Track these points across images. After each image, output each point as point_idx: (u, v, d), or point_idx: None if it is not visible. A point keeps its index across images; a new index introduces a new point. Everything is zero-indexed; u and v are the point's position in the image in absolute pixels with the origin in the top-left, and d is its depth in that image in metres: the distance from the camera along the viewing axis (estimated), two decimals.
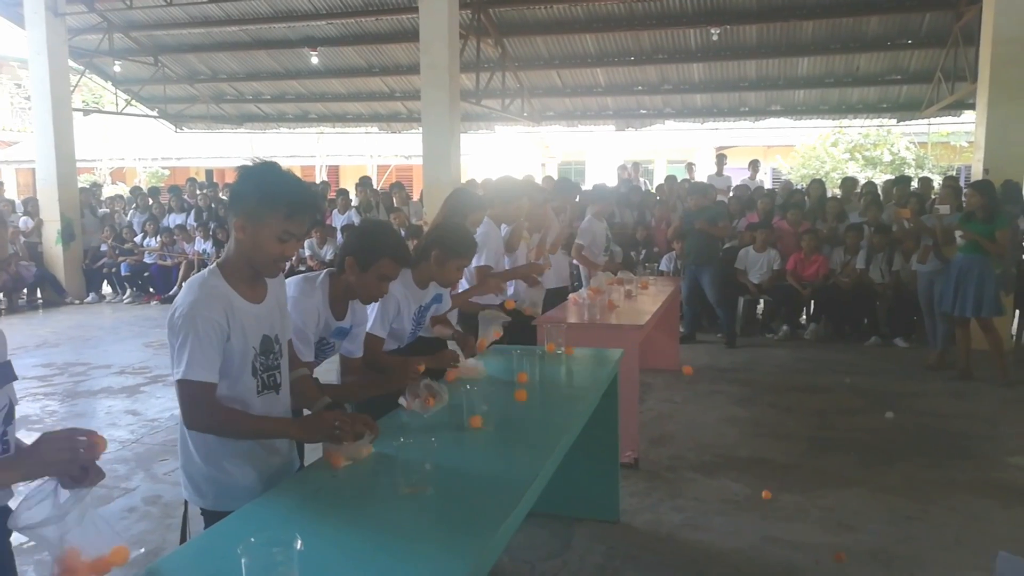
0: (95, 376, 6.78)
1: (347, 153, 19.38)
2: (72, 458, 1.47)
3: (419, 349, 3.35)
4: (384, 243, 2.58)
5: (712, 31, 10.36)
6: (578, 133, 18.96)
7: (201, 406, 1.92)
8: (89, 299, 11.16)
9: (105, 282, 11.44)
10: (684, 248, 7.89)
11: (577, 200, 6.55)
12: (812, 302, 8.26)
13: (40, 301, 10.94)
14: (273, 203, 1.93)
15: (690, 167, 11.24)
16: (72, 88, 11.74)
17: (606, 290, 5.28)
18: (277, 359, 2.13)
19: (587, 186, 8.75)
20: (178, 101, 14.56)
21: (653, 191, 10.60)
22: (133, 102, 14.56)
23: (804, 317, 8.53)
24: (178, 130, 15.65)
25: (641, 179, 12.79)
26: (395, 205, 10.11)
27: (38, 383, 6.54)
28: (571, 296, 5.08)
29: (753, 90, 12.12)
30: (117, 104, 14.11)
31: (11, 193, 17.32)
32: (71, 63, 11.74)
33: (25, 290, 10.82)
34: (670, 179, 10.29)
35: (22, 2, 10.61)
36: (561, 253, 6.22)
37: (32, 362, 7.29)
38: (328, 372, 2.91)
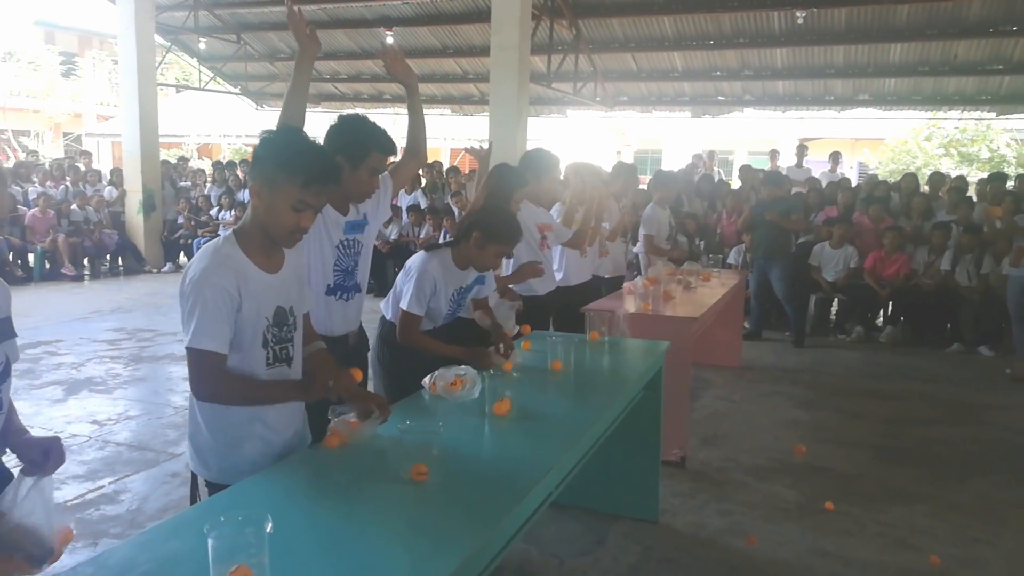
0: (161, 342, 6.98)
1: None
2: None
3: (457, 330, 3.27)
4: (371, 136, 2.51)
5: (798, 14, 9.85)
6: (655, 120, 18.52)
7: (206, 375, 1.87)
8: (166, 268, 11.55)
9: (182, 253, 11.83)
10: (753, 240, 7.55)
11: (642, 187, 6.35)
12: (890, 303, 7.79)
13: (121, 268, 11.39)
14: (289, 170, 1.86)
15: (773, 154, 10.75)
16: (158, 64, 12.14)
17: (663, 280, 5.07)
18: (291, 331, 2.06)
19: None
20: (259, 79, 14.89)
21: (728, 181, 10.22)
22: (217, 79, 14.96)
23: (881, 319, 8.07)
24: (259, 108, 16.02)
25: (716, 169, 12.38)
26: (454, 188, 10.05)
27: (107, 346, 6.78)
28: (626, 285, 4.90)
29: (840, 78, 11.50)
30: (200, 80, 14.55)
31: (106, 165, 18.12)
32: (158, 39, 12.14)
33: (108, 257, 11.28)
34: (745, 168, 9.88)
35: None
36: (620, 241, 6.03)
37: (105, 326, 7.57)
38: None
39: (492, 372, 2.63)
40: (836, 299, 8.05)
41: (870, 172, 15.99)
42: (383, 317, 3.07)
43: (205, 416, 1.99)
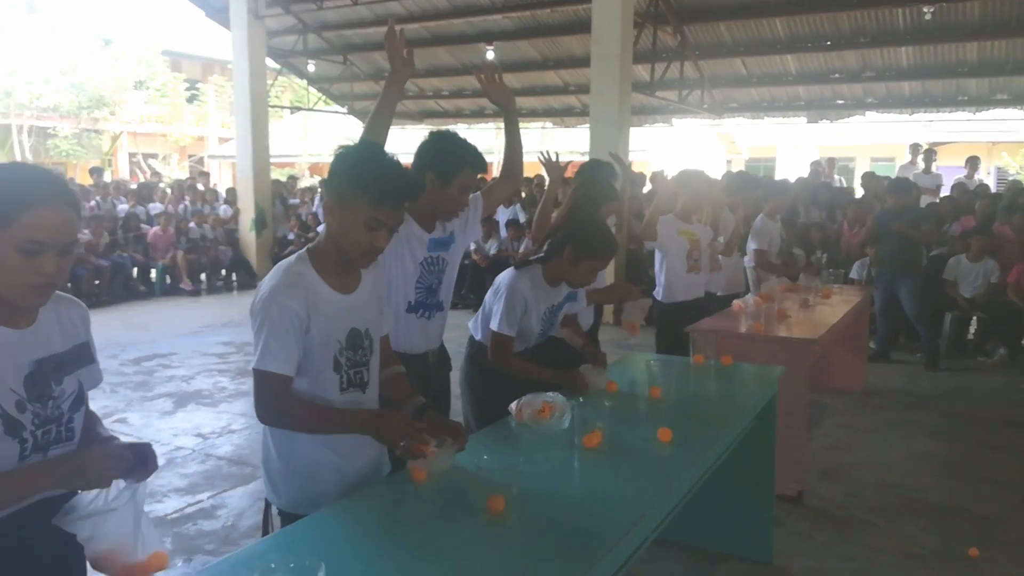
0: None
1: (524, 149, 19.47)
2: (111, 476, 1.36)
3: (548, 350, 3.06)
4: (463, 153, 2.44)
5: (925, 9, 9.09)
6: (767, 127, 17.75)
7: (268, 397, 1.77)
8: None
9: None
10: (878, 254, 6.94)
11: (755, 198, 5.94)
12: None
13: (235, 283, 11.85)
14: (363, 187, 1.74)
15: (915, 148, 9.86)
16: (269, 87, 12.63)
17: (777, 297, 4.68)
18: (366, 355, 1.93)
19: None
20: (364, 98, 15.25)
21: (850, 188, 9.54)
22: (325, 99, 15.45)
23: None
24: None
25: (837, 176, 11.65)
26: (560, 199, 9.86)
27: (216, 359, 6.98)
28: (735, 303, 4.54)
29: (974, 76, 10.55)
30: (308, 101, 15.06)
31: (225, 185, 19.11)
32: (270, 63, 12.63)
33: (222, 272, 11.77)
34: (869, 175, 9.21)
35: (228, 7, 11.52)
36: (738, 256, 5.66)
37: (215, 340, 7.82)
38: None
39: (582, 399, 2.42)
40: (975, 317, 7.31)
41: (1010, 178, 14.64)
42: (471, 337, 2.90)
43: (276, 442, 1.89)
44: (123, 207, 11.49)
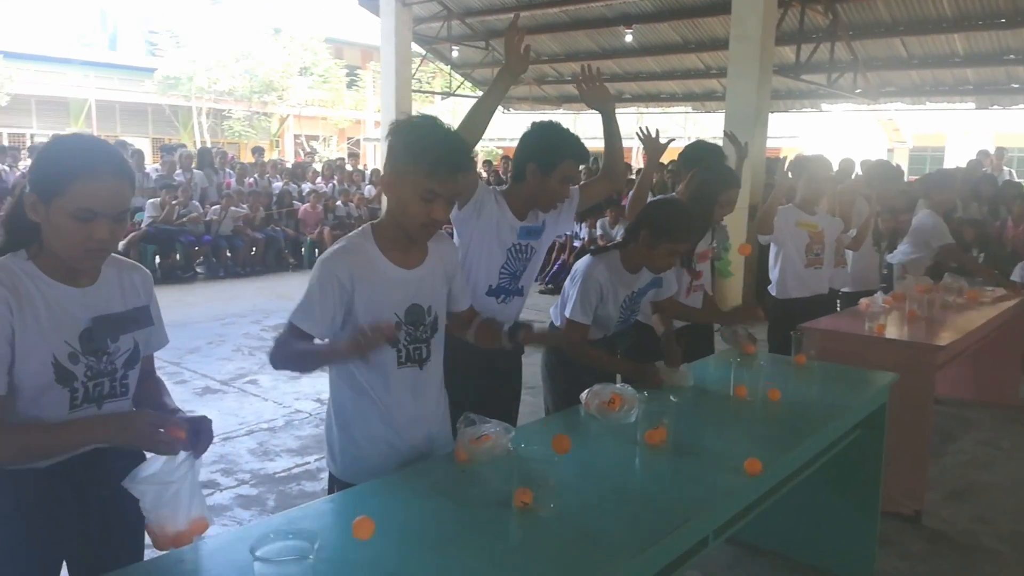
0: None
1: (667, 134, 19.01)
2: (158, 441, 1.43)
3: (635, 339, 2.99)
4: (566, 145, 2.41)
5: None
6: (935, 113, 16.30)
7: (280, 345, 1.82)
8: None
9: None
10: None
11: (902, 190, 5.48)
12: None
13: (292, 265, 12.23)
14: (416, 157, 1.76)
15: None
16: (414, 71, 13.06)
17: (912, 298, 4.31)
18: (428, 332, 1.95)
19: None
20: None
21: (1019, 182, 8.60)
22: (467, 84, 15.80)
23: None
24: (505, 111, 16.66)
25: (1007, 169, 10.54)
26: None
27: None
28: (862, 301, 4.21)
29: None
30: (451, 85, 15.45)
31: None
32: (416, 49, 13.04)
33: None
34: None
35: None
36: (873, 251, 5.25)
37: None
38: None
39: (649, 393, 2.35)
40: None
41: None
42: (551, 323, 2.89)
43: (337, 409, 1.95)
44: (278, 184, 12.33)
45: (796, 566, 3.09)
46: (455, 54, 14.49)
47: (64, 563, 1.59)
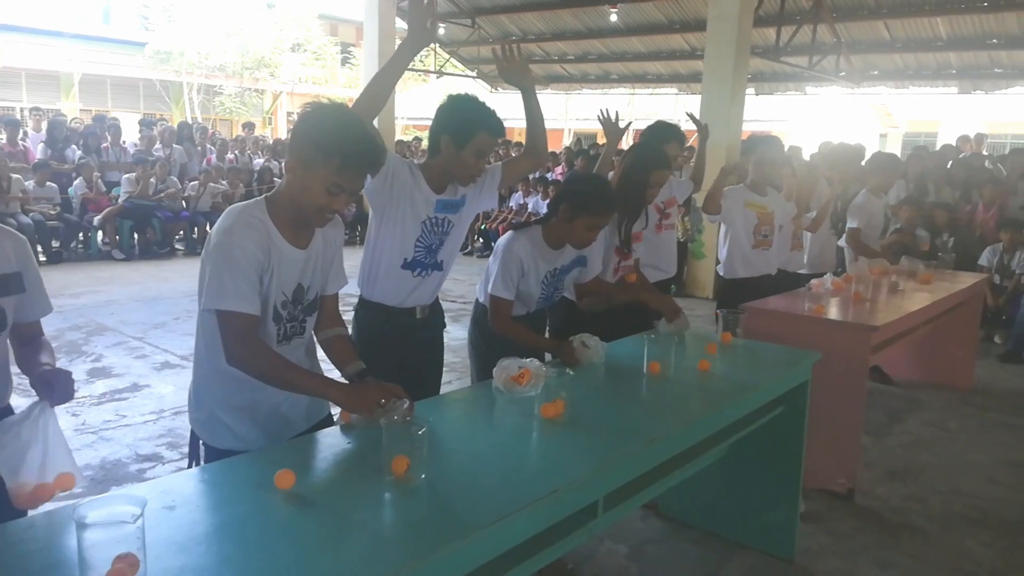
0: None
1: (657, 115, 18.98)
2: None
3: (557, 315, 3.02)
4: (479, 117, 2.38)
5: None
6: (928, 99, 16.25)
7: (240, 339, 1.77)
8: None
9: None
10: (1012, 240, 6.25)
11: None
12: None
13: (358, 238, 12.39)
14: (327, 151, 1.75)
15: None
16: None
17: (862, 280, 4.34)
18: (305, 312, 1.98)
19: None
20: (492, 62, 15.34)
21: (998, 168, 8.57)
22: (452, 62, 15.69)
23: None
24: (493, 90, 16.56)
25: (985, 154, 10.52)
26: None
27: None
28: (813, 282, 4.24)
29: None
30: (435, 64, 15.36)
31: None
32: (401, 24, 12.90)
33: (347, 229, 12.33)
34: (1018, 153, 8.23)
35: None
36: (830, 233, 5.28)
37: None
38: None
39: (571, 371, 2.38)
40: None
41: None
42: (477, 299, 2.91)
43: (207, 382, 1.94)
44: (259, 161, 12.28)
45: (722, 541, 3.13)
46: (441, 32, 14.39)
47: None
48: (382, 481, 1.63)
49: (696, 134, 4.37)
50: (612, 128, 3.54)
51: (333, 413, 2.12)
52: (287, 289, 1.90)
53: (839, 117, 19.63)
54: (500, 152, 11.50)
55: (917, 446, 4.30)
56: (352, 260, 2.21)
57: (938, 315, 4.56)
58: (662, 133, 3.73)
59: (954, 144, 9.95)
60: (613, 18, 11.81)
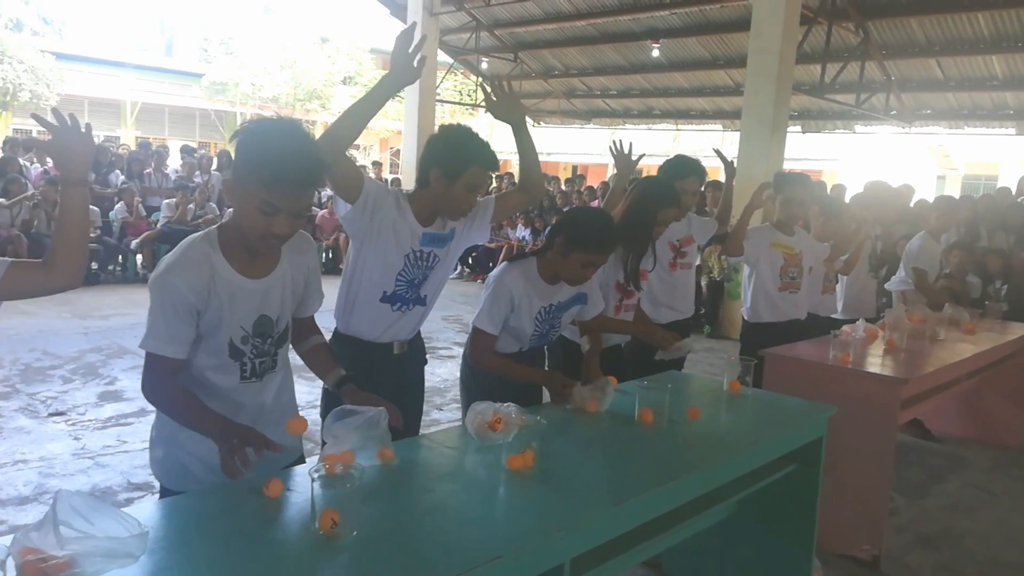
0: None
1: (702, 152, 18.75)
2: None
3: (555, 355, 2.85)
4: (472, 150, 2.26)
5: None
6: (987, 140, 15.68)
7: (151, 378, 1.72)
8: None
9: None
10: None
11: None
12: None
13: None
14: (254, 167, 1.62)
15: None
16: (439, 82, 13.07)
17: (897, 328, 4.05)
18: (275, 344, 1.85)
19: None
20: (533, 96, 15.38)
21: None
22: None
23: None
24: (535, 124, 16.60)
25: None
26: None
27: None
28: (845, 328, 3.97)
29: None
30: (477, 98, 15.44)
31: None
32: (446, 58, 13.06)
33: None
34: None
35: (407, 4, 12.08)
36: (868, 277, 5.01)
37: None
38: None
39: (569, 407, 2.21)
40: None
41: None
42: (470, 334, 2.75)
43: (163, 419, 1.85)
44: None
45: None
46: (484, 65, 14.49)
47: None
48: (308, 534, 1.47)
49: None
50: (624, 160, 3.39)
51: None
52: (245, 323, 1.78)
53: (893, 157, 19.08)
54: (502, 185, 11.48)
55: (956, 509, 3.96)
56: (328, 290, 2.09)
57: (983, 368, 4.24)
58: (678, 169, 3.55)
59: (1014, 187, 9.49)
60: (655, 53, 11.71)
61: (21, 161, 9.77)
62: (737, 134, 14.68)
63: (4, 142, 10.99)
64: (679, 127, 16.49)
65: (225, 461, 1.59)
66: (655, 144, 18.56)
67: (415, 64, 2.14)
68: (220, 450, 1.61)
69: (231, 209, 2.02)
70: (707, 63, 12.17)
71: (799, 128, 13.51)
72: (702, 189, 5.64)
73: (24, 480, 3.70)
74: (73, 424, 4.54)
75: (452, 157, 2.28)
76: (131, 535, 1.25)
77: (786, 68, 7.83)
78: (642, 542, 2.05)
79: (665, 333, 2.96)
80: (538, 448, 1.93)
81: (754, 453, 2.30)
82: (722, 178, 4.59)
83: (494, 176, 13.22)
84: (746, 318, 4.07)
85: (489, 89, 2.48)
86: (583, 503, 1.75)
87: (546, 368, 2.93)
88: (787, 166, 8.02)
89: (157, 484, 1.94)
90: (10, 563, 1.12)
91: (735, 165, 4.20)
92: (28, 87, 17.54)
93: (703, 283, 8.92)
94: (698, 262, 8.91)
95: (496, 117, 2.49)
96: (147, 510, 1.59)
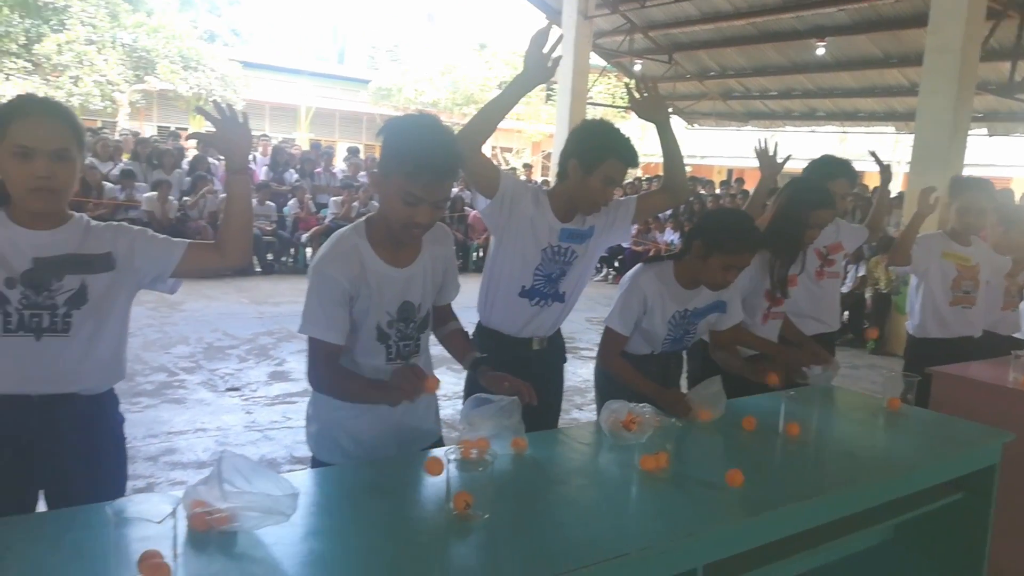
0: None
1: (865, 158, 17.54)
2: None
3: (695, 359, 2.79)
4: (610, 143, 2.28)
5: None
6: None
7: (316, 364, 1.85)
8: None
9: None
10: None
11: None
12: None
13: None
14: (398, 159, 1.73)
15: None
16: (591, 85, 13.09)
17: None
18: (417, 328, 1.96)
19: None
20: (687, 98, 15.05)
21: None
22: None
23: None
24: (689, 127, 16.24)
25: None
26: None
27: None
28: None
29: None
30: (628, 100, 15.28)
31: None
32: (599, 60, 13.05)
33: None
34: None
35: (562, 8, 12.19)
36: None
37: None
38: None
39: (681, 422, 2.17)
40: None
41: None
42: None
43: (316, 401, 1.99)
44: (454, 190, 12.89)
45: None
46: (637, 67, 14.34)
47: (41, 494, 1.74)
48: (443, 513, 1.55)
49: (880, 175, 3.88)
50: (769, 162, 3.24)
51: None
52: (390, 308, 1.89)
53: None
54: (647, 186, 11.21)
55: None
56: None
57: None
58: (829, 168, 3.33)
59: None
60: (820, 52, 11.11)
61: (210, 159, 10.79)
62: (911, 137, 13.68)
63: (188, 138, 12.18)
64: (845, 129, 15.56)
65: (403, 388, 1.70)
66: (819, 147, 17.59)
67: (548, 64, 2.19)
68: (393, 386, 1.72)
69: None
70: (878, 61, 11.39)
71: (985, 131, 12.34)
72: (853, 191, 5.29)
73: (203, 447, 4.10)
74: (246, 399, 4.98)
75: (590, 148, 2.31)
76: (284, 494, 1.37)
77: (969, 66, 7.19)
78: (782, 559, 1.97)
79: (807, 356, 2.77)
80: (673, 451, 1.91)
81: (912, 476, 2.14)
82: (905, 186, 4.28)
83: (644, 179, 13.08)
84: (911, 333, 3.79)
85: (633, 88, 2.47)
86: (716, 510, 1.72)
87: (684, 373, 2.88)
88: (969, 172, 7.36)
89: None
90: (180, 512, 1.26)
91: (897, 170, 3.91)
92: (218, 93, 19.31)
93: (868, 296, 8.38)
94: (863, 272, 8.44)
95: (640, 116, 2.48)
96: (301, 478, 1.72)
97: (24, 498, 1.69)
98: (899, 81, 11.78)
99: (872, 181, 9.75)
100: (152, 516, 1.23)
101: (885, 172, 3.84)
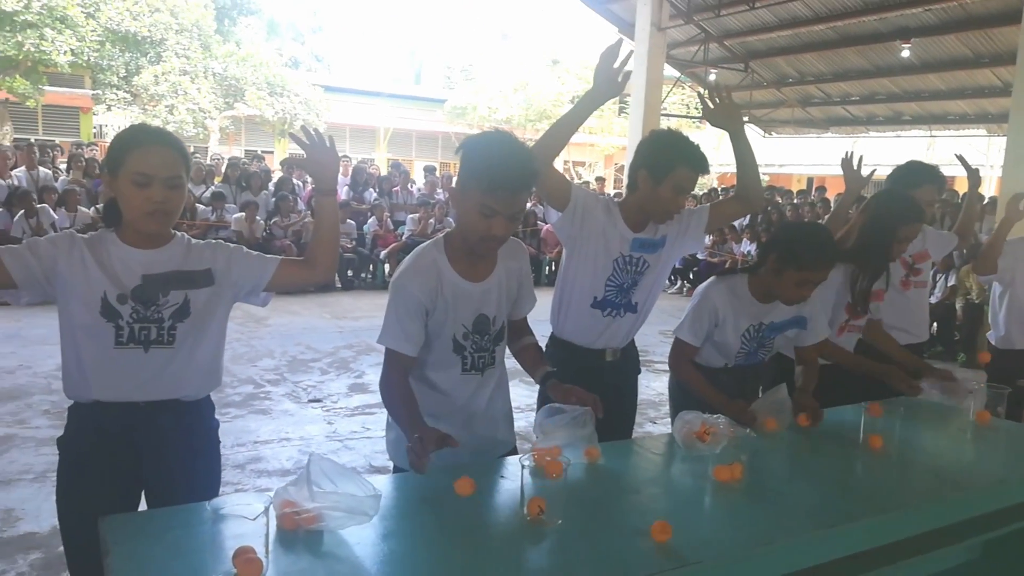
0: None
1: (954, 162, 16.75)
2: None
3: (769, 373, 2.75)
4: (679, 151, 2.29)
5: None
6: None
7: (388, 373, 1.92)
8: None
9: None
10: None
11: None
12: None
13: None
14: (477, 173, 1.81)
15: None
16: (665, 96, 12.99)
17: None
18: (492, 341, 2.02)
19: None
20: (764, 106, 14.75)
21: None
22: None
23: None
24: (766, 135, 15.90)
25: None
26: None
27: None
28: None
29: None
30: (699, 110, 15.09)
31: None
32: (673, 71, 12.95)
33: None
34: None
35: (635, 21, 12.18)
36: None
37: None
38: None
39: (755, 433, 2.15)
40: None
41: None
42: None
43: None
44: (529, 206, 13.00)
45: None
46: (712, 77, 14.16)
47: (143, 493, 1.87)
48: (517, 518, 1.59)
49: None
50: (854, 175, 3.17)
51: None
52: (466, 321, 1.96)
53: None
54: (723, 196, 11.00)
55: None
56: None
57: None
58: (914, 175, 3.21)
59: None
60: (905, 54, 10.73)
61: (294, 180, 11.23)
62: (1004, 140, 13.04)
63: (282, 163, 12.73)
64: (933, 133, 14.93)
65: (409, 454, 1.72)
66: (905, 152, 16.93)
67: (619, 79, 2.23)
68: (409, 444, 1.73)
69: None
70: (968, 62, 10.91)
71: None
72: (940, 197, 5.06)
73: (287, 456, 4.27)
74: (327, 410, 5.16)
75: (659, 158, 2.32)
76: (367, 496, 1.44)
77: None
78: (860, 574, 1.93)
79: (895, 380, 2.68)
80: (748, 462, 1.90)
81: (1000, 491, 2.06)
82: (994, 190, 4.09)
83: (720, 189, 12.83)
84: (994, 343, 3.63)
85: (707, 96, 2.47)
86: (791, 521, 1.70)
87: (759, 387, 2.84)
88: None
89: (391, 465, 2.17)
90: (272, 512, 1.35)
91: (990, 174, 3.75)
92: (302, 117, 20.12)
93: (958, 306, 8.01)
94: (952, 282, 8.06)
95: (713, 124, 2.48)
96: (381, 482, 1.79)
97: (129, 497, 1.83)
98: (991, 81, 11.25)
99: (961, 186, 9.37)
100: (246, 514, 1.32)
101: (973, 176, 3.70)
